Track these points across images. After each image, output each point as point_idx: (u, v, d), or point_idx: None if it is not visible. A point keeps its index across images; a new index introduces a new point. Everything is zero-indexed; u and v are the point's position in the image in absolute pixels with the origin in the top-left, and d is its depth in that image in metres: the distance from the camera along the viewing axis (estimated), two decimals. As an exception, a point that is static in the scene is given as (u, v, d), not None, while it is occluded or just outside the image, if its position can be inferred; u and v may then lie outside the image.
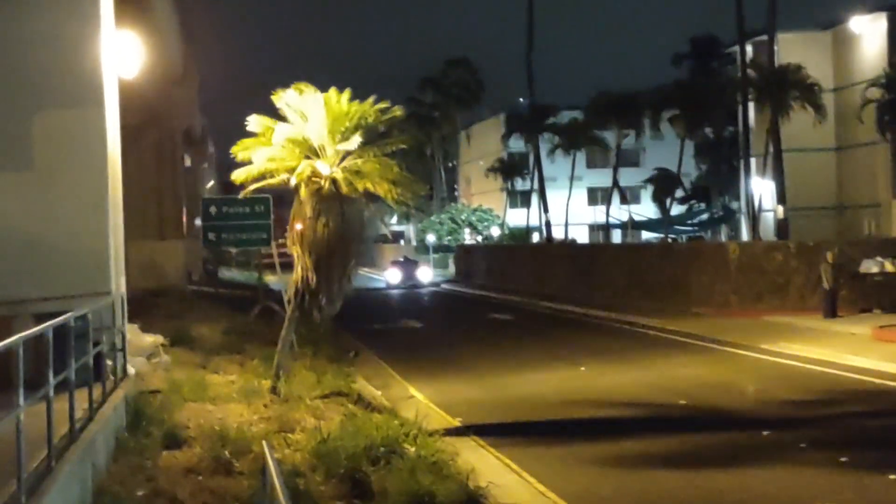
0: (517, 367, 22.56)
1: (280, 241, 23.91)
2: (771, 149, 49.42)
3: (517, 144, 77.12)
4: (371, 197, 16.79)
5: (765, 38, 49.98)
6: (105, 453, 10.75)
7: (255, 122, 16.12)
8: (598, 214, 73.24)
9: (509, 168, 79.86)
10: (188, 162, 47.00)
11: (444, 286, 59.99)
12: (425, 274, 61.79)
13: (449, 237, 78.92)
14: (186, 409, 14.00)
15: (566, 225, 68.69)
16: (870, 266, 29.22)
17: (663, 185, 68.87)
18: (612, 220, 69.09)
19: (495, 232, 78.01)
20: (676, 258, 38.51)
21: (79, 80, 14.21)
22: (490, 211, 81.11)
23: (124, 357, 14.29)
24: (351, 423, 13.30)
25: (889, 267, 28.99)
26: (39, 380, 8.36)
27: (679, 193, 69.35)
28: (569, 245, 61.77)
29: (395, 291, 56.74)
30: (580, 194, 77.46)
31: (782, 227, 47.44)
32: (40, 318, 10.09)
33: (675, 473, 12.40)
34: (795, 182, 50.89)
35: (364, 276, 63.80)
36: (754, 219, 51.69)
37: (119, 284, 14.97)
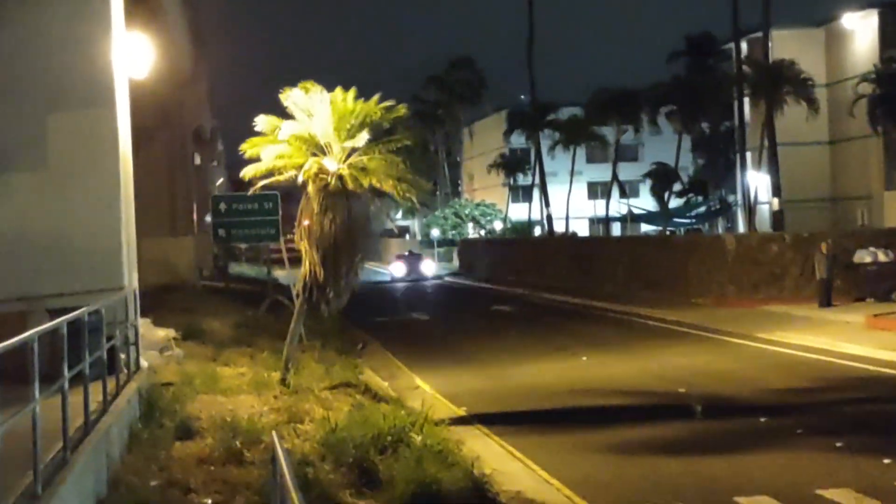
0: (520, 357, 22.55)
1: (288, 236, 24.00)
2: (766, 143, 49.32)
3: (519, 140, 77.18)
4: (377, 193, 16.81)
5: (759, 34, 49.84)
6: (119, 445, 10.74)
7: (262, 121, 16.16)
8: (598, 208, 73.25)
9: (511, 164, 79.89)
10: (198, 160, 47.03)
11: (448, 279, 60.07)
12: (429, 267, 61.84)
13: (453, 231, 78.98)
14: (198, 401, 14.00)
15: (567, 219, 68.68)
16: (863, 256, 29.20)
17: (661, 179, 68.83)
18: (611, 214, 68.99)
19: (498, 226, 78.10)
20: (675, 250, 38.47)
21: (91, 82, 14.17)
22: (493, 206, 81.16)
23: (137, 351, 14.29)
24: (359, 413, 13.31)
25: (882, 257, 28.96)
26: (55, 374, 8.34)
27: (677, 187, 69.28)
28: (570, 238, 61.77)
29: (400, 284, 56.79)
30: (580, 189, 77.39)
31: (778, 218, 47.35)
32: (56, 314, 10.06)
33: (674, 460, 12.40)
34: (790, 175, 50.82)
35: (370, 270, 62.76)
36: (750, 211, 51.60)
37: (132, 280, 14.95)
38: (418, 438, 11.89)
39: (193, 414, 13.00)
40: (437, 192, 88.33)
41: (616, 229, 72.70)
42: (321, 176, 15.98)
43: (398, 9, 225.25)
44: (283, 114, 16.13)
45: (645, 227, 71.68)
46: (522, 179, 78.92)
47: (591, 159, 78.13)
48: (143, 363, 14.94)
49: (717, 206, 67.69)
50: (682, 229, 66.29)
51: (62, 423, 8.28)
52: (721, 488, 10.89)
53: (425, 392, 18.17)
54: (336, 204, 15.89)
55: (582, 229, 75.16)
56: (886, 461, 11.67)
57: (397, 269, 60.98)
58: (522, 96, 75.83)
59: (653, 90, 63.68)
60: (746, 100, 52.17)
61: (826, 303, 28.25)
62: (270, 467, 8.57)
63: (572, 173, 69.77)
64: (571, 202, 69.46)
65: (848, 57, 54.43)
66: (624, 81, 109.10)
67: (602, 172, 75.31)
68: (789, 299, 30.31)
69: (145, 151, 26.66)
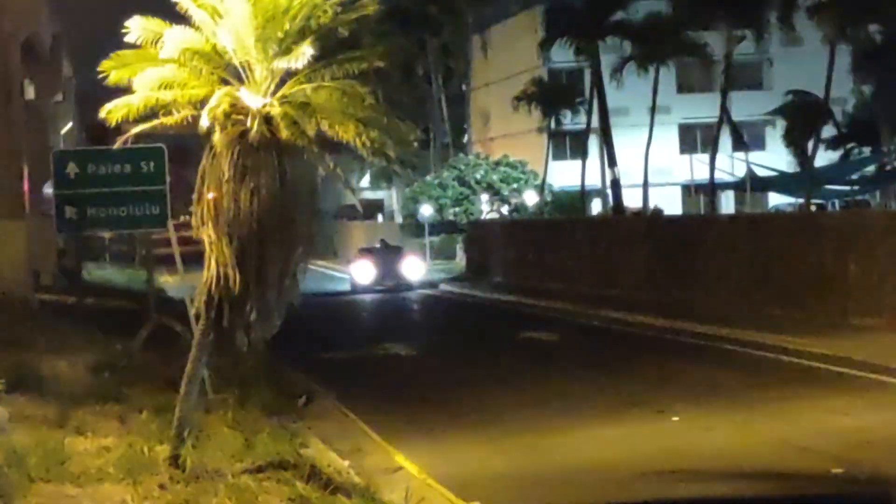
0: (569, 417, 22.16)
1: (182, 218, 23.33)
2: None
3: (565, 56, 75.08)
4: (328, 145, 16.03)
5: None
6: None
7: (138, 25, 15.32)
8: (697, 168, 71.46)
9: (552, 95, 77.87)
10: (31, 93, 46.76)
11: (446, 287, 59.71)
12: (414, 268, 61.17)
13: (455, 208, 77.63)
14: (35, 496, 13.62)
15: (645, 185, 67.42)
16: None
17: (803, 118, 67.99)
18: (719, 178, 67.73)
19: (531, 199, 76.47)
20: (825, 237, 37.51)
21: None
22: (521, 165, 79.45)
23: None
24: (301, 514, 13.07)
25: None
26: None
27: (828, 132, 68.51)
28: (650, 218, 61.00)
29: (367, 297, 56.57)
30: (667, 135, 76.87)
31: None
32: None
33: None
34: None
35: (318, 274, 64.13)
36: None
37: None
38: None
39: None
40: (431, 145, 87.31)
41: (727, 202, 72.25)
42: (236, 118, 15.28)
43: None
44: (175, 16, 15.41)
45: (775, 199, 71.78)
46: (570, 121, 77.21)
47: (683, 88, 77.67)
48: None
49: (897, 165, 67.05)
50: (837, 202, 66.29)
51: None
52: None
53: (412, 476, 17.68)
54: (261, 164, 15.19)
55: (671, 203, 74.54)
56: None
57: (363, 273, 60.28)
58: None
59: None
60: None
61: None
62: None
63: (653, 110, 67.79)
64: (653, 158, 68.16)
65: None
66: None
67: (703, 108, 73.82)
68: None
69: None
